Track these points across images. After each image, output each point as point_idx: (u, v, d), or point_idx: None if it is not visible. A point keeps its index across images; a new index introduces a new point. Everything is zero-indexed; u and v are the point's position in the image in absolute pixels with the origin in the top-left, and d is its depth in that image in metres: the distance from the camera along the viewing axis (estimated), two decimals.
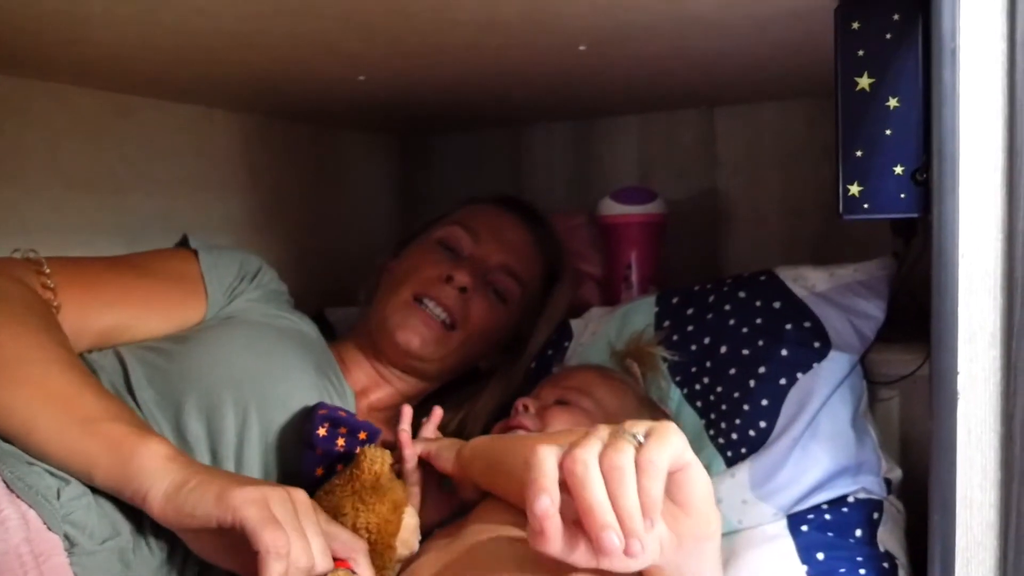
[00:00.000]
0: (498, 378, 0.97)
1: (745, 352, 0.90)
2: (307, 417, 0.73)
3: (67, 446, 0.59)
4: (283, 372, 0.78)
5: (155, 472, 0.58)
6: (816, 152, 1.16)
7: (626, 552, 0.45)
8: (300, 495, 0.60)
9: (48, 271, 0.72)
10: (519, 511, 0.66)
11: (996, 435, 0.57)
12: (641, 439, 0.47)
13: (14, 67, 0.86)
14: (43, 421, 0.59)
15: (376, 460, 0.67)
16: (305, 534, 0.57)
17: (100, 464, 0.59)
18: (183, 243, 0.87)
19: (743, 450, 0.84)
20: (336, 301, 1.19)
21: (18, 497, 0.57)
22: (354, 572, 0.59)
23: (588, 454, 0.46)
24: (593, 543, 0.46)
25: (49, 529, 0.57)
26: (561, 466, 0.47)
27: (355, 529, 0.64)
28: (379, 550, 0.66)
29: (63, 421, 0.60)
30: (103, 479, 0.59)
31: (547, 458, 0.47)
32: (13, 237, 0.88)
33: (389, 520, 0.66)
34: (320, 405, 0.73)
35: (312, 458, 0.71)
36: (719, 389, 0.90)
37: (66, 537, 0.58)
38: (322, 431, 0.71)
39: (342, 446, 0.71)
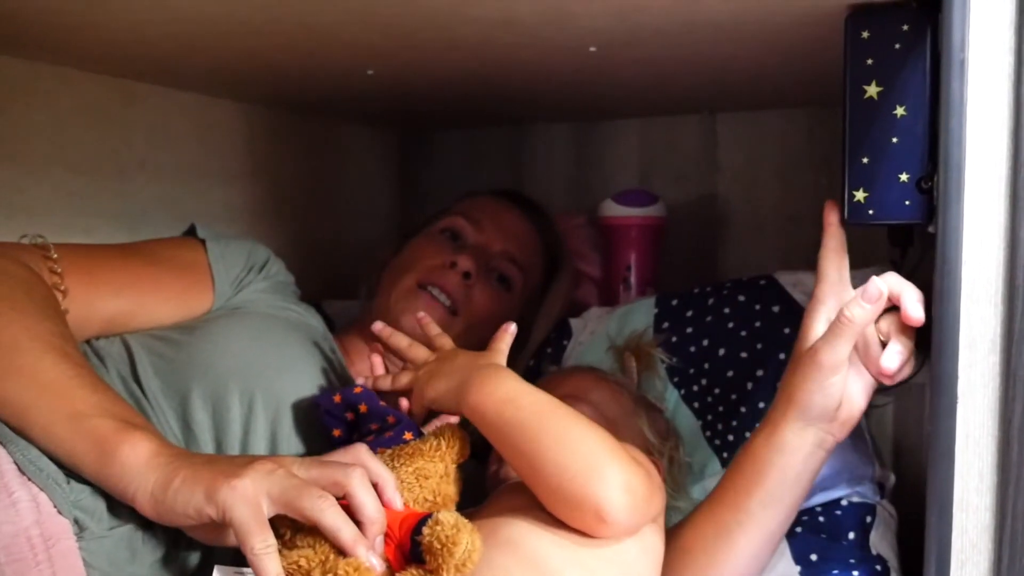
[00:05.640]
0: None
1: (744, 355, 0.91)
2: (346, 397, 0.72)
3: (55, 442, 0.58)
4: (289, 363, 0.78)
5: (139, 472, 0.57)
6: (815, 161, 1.17)
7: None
8: (287, 458, 0.59)
9: (55, 256, 0.71)
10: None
11: (994, 440, 0.58)
12: None
13: (22, 49, 0.86)
14: (33, 414, 0.59)
15: (467, 443, 0.68)
16: (311, 484, 0.56)
17: (86, 462, 0.58)
18: (191, 232, 0.86)
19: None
20: (333, 292, 1.19)
21: (29, 480, 0.56)
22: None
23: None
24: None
25: (59, 513, 0.57)
26: None
27: (434, 494, 0.65)
28: None
29: (51, 416, 0.59)
30: (91, 477, 0.59)
31: None
32: (15, 219, 0.88)
33: (456, 502, 0.67)
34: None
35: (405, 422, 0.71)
36: (717, 391, 0.90)
37: (75, 522, 0.58)
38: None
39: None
